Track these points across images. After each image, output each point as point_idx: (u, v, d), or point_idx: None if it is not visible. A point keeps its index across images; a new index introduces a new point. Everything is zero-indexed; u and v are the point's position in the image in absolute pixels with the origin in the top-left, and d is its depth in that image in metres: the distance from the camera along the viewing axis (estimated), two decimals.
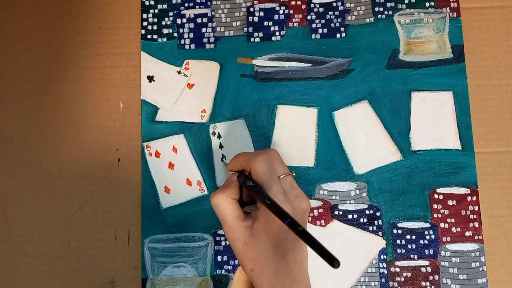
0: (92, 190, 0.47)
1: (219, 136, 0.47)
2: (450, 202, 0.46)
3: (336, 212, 0.46)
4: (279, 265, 0.37)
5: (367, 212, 0.46)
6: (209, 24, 0.49)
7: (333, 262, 0.29)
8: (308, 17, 0.49)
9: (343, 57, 0.48)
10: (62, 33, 0.49)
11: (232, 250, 0.45)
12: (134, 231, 0.46)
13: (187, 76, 0.48)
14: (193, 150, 0.47)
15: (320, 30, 0.49)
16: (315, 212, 0.46)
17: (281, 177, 0.39)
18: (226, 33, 0.49)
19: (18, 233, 0.46)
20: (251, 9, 0.49)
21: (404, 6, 0.49)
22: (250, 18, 0.49)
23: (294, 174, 0.41)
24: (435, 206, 0.46)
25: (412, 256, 0.45)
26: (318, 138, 0.47)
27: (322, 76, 0.48)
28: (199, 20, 0.49)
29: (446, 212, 0.46)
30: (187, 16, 0.49)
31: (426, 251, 0.45)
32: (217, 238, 0.46)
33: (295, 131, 0.47)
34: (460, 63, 0.48)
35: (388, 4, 0.49)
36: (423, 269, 0.45)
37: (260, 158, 0.39)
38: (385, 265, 0.45)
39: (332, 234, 0.46)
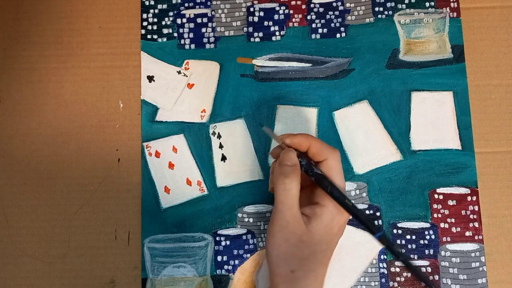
0: (92, 190, 0.47)
1: (219, 136, 0.47)
2: (450, 202, 0.46)
3: None
4: (321, 270, 0.35)
5: (367, 212, 0.46)
6: (209, 24, 0.49)
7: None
8: (308, 17, 0.49)
9: (343, 57, 0.48)
10: (62, 33, 0.49)
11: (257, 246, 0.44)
12: (134, 231, 0.46)
13: (187, 76, 0.48)
14: (193, 150, 0.47)
15: (320, 30, 0.49)
16: None
17: None
18: (226, 33, 0.49)
19: (18, 233, 0.46)
20: (251, 9, 0.49)
21: (404, 6, 0.49)
22: (250, 18, 0.49)
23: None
24: (435, 206, 0.46)
25: (412, 256, 0.45)
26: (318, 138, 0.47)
27: (322, 76, 0.48)
28: (199, 20, 0.49)
29: (446, 212, 0.46)
30: (187, 16, 0.49)
31: (426, 251, 0.45)
32: (217, 238, 0.46)
33: (295, 131, 0.47)
34: (460, 63, 0.48)
35: (388, 4, 0.49)
36: (423, 269, 0.45)
37: (338, 154, 0.36)
38: (385, 265, 0.45)
39: None
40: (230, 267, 0.45)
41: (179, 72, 0.48)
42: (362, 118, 0.47)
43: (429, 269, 0.45)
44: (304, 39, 0.49)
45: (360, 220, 0.34)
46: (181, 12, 0.49)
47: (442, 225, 0.45)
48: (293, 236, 0.34)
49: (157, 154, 0.47)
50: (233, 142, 0.47)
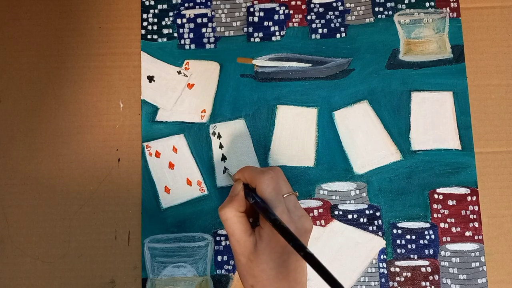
0: (92, 190, 0.47)
1: (219, 136, 0.47)
2: (450, 202, 0.46)
3: (336, 212, 0.46)
4: (280, 285, 0.37)
5: (367, 212, 0.46)
6: (209, 24, 0.49)
7: None
8: (308, 17, 0.49)
9: (343, 57, 0.48)
10: (62, 33, 0.49)
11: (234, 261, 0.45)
12: (134, 231, 0.46)
13: (187, 76, 0.48)
14: (193, 150, 0.47)
15: (320, 30, 0.49)
16: (315, 212, 0.46)
17: (285, 195, 0.39)
18: (226, 33, 0.49)
19: (18, 233, 0.46)
20: (251, 9, 0.49)
21: (404, 6, 0.49)
22: (250, 18, 0.49)
23: (297, 193, 0.41)
24: (435, 206, 0.46)
25: (412, 256, 0.45)
26: (318, 138, 0.47)
27: (322, 76, 0.48)
28: (199, 20, 0.49)
29: (446, 212, 0.46)
30: (187, 16, 0.49)
31: (426, 251, 0.45)
32: (217, 238, 0.46)
33: (295, 131, 0.47)
34: (460, 63, 0.48)
35: (388, 4, 0.49)
36: (423, 269, 0.45)
37: (267, 177, 0.39)
38: (385, 265, 0.45)
39: (332, 234, 0.46)
40: (230, 267, 0.45)
41: (179, 72, 0.48)
42: (362, 118, 0.47)
43: (429, 269, 0.45)
44: (304, 39, 0.49)
45: (288, 239, 0.35)
46: (181, 12, 0.49)
47: (442, 225, 0.45)
48: (242, 257, 0.38)
49: (157, 154, 0.47)
50: (233, 142, 0.47)
